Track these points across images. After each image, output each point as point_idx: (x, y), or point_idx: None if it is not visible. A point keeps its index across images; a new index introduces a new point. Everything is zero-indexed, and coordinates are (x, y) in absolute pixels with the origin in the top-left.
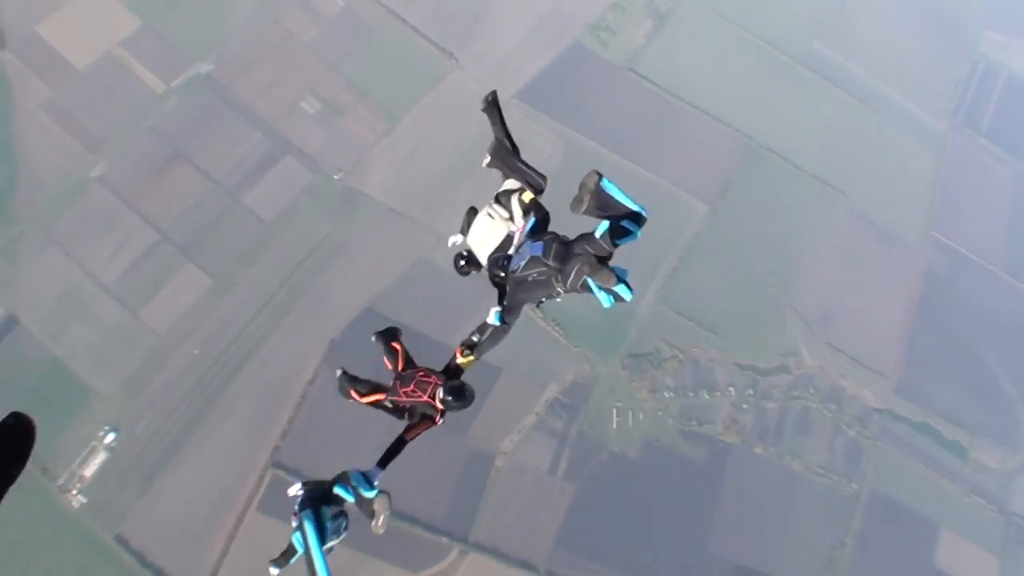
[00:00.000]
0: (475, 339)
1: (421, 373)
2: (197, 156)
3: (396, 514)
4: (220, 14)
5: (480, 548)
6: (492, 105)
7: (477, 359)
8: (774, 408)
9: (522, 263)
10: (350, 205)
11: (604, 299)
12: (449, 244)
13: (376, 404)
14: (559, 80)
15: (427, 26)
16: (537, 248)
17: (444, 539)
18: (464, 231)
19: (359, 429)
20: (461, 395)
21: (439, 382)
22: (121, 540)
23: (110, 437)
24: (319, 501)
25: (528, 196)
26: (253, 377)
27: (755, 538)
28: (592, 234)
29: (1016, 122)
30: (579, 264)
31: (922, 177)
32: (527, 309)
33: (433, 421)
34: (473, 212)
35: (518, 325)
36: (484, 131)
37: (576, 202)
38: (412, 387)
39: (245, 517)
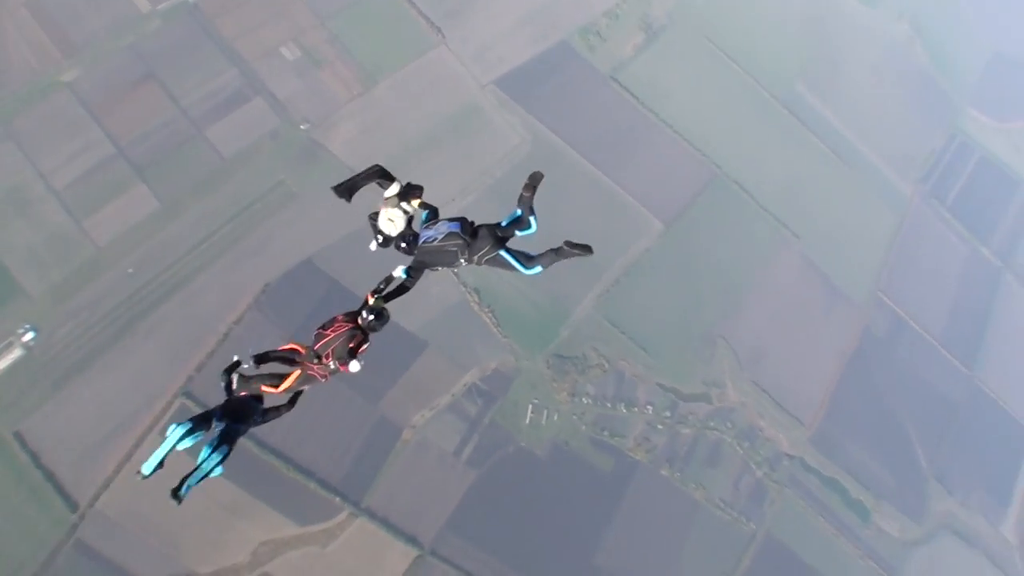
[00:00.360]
0: (382, 287)
1: (339, 316)
2: (169, 81)
3: (294, 465)
4: None
5: (371, 515)
6: (343, 191)
7: (384, 303)
8: (688, 434)
9: (439, 236)
10: (310, 157)
11: (520, 266)
12: (372, 249)
13: (300, 378)
14: (540, 75)
15: None
16: (455, 226)
17: (337, 499)
18: (377, 233)
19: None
20: (380, 315)
21: (360, 311)
22: (19, 437)
23: (28, 336)
24: (202, 422)
25: (417, 201)
26: (181, 306)
27: (642, 559)
28: (499, 223)
29: (980, 202)
30: (488, 243)
31: (879, 237)
32: (467, 294)
33: (366, 336)
34: (373, 217)
35: (452, 306)
36: (456, 112)
37: (528, 188)
38: (337, 324)
39: (145, 440)
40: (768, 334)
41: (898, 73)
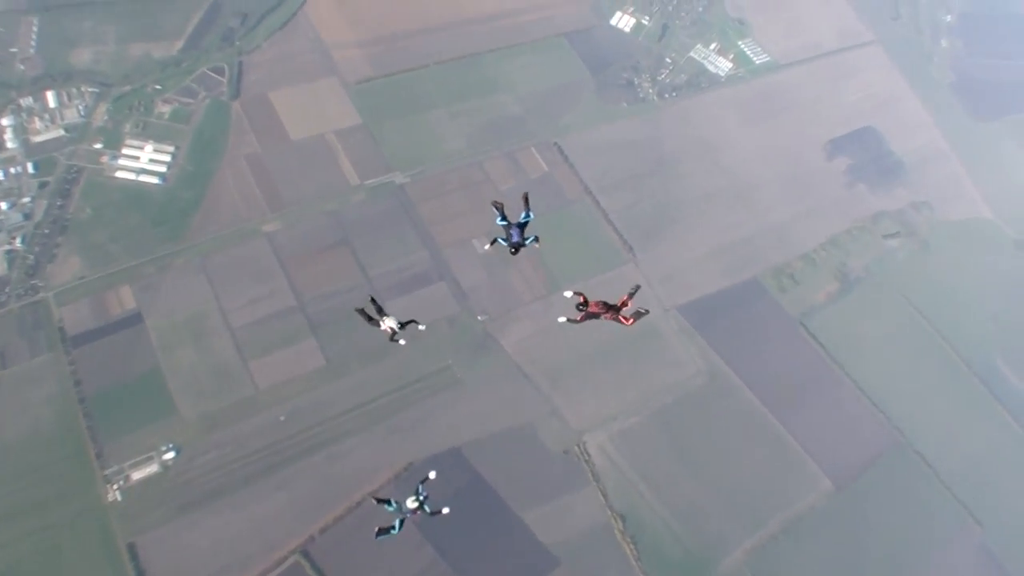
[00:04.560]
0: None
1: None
2: (361, 250)
3: None
4: (432, 140)
5: None
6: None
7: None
8: None
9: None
10: (481, 348)
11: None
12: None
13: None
14: (726, 308)
15: (618, 215)
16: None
17: None
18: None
19: (394, 557)
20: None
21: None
22: (132, 549)
23: (169, 455)
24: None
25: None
26: (322, 464)
27: None
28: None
29: None
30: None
31: None
32: (613, 519)
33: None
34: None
35: (594, 527)
36: (634, 332)
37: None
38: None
39: None
40: None
41: None
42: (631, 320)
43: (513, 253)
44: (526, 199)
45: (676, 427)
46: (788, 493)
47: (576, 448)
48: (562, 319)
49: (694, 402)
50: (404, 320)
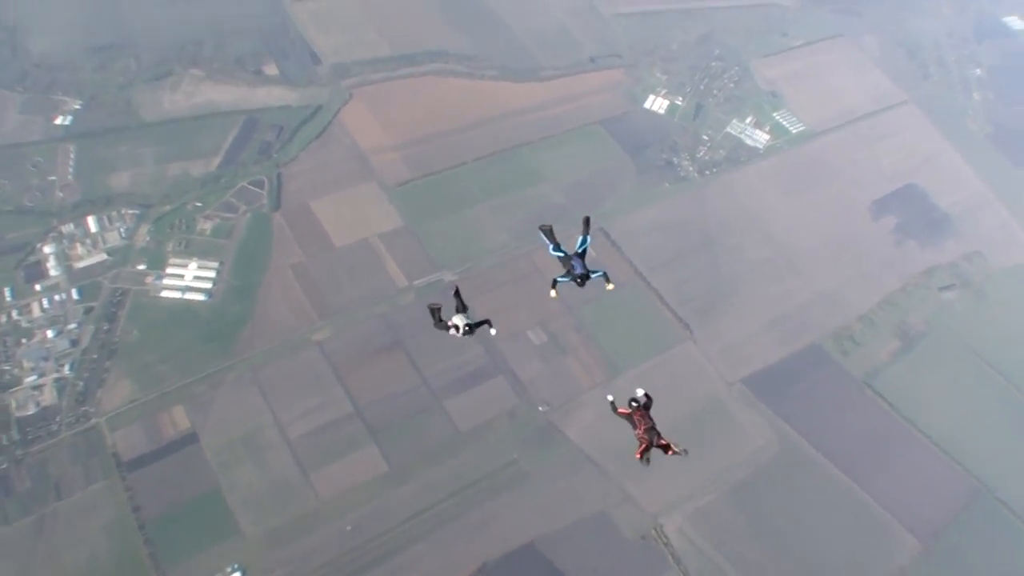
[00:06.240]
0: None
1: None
2: (415, 352)
3: None
4: (477, 235)
5: None
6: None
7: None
8: None
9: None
10: (546, 440)
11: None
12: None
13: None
14: (790, 377)
15: (671, 294)
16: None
17: None
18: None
19: None
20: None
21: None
22: None
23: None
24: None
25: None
26: (394, 573)
27: None
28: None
29: None
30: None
31: None
32: None
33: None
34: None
35: None
36: (700, 408)
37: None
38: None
39: None
40: None
41: None
42: (640, 455)
43: (579, 285)
44: (586, 222)
45: (753, 501)
46: (875, 557)
47: (653, 532)
48: (610, 397)
49: (768, 474)
50: (476, 321)
